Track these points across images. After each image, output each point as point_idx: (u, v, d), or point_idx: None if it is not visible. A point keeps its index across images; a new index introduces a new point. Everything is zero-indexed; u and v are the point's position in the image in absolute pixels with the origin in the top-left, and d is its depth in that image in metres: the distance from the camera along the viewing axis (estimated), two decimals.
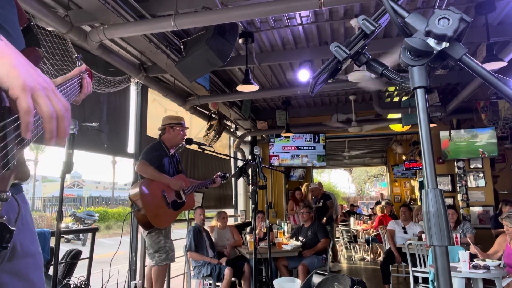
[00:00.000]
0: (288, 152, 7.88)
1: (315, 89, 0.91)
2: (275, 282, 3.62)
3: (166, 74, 4.66)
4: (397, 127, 7.29)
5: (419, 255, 4.51)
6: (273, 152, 7.89)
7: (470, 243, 3.98)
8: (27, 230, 0.83)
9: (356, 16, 4.02)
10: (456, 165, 7.01)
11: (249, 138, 8.08)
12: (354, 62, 0.88)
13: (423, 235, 4.91)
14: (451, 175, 7.24)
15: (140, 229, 3.62)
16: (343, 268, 7.35)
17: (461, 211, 6.69)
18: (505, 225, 3.56)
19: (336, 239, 8.34)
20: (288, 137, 7.78)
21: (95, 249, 3.81)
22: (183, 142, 3.57)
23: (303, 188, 7.83)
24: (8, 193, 0.64)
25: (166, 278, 4.13)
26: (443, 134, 6.90)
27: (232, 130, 7.57)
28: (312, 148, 7.93)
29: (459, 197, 6.89)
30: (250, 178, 3.32)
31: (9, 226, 0.65)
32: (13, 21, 0.80)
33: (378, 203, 9.52)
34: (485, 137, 6.68)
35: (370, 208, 14.98)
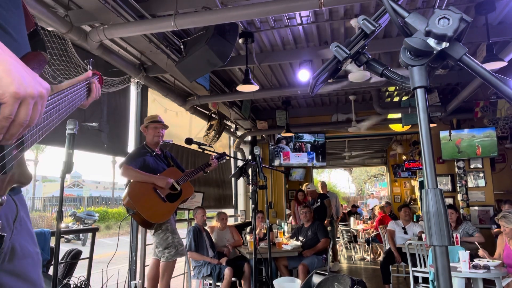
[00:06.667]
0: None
1: (315, 89, 0.91)
2: (275, 282, 3.62)
3: (166, 74, 4.66)
4: (397, 127, 7.29)
5: (419, 255, 4.51)
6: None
7: (478, 246, 3.95)
8: (25, 230, 0.83)
9: (356, 16, 4.02)
10: (456, 165, 7.01)
11: (249, 138, 8.08)
12: (354, 62, 0.88)
13: (423, 235, 4.91)
14: (451, 175, 7.24)
15: (143, 229, 3.63)
16: (343, 268, 7.35)
17: (461, 211, 6.69)
18: (502, 225, 3.55)
19: (336, 239, 8.35)
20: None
21: (95, 249, 3.80)
22: (170, 140, 3.61)
23: (303, 188, 7.86)
24: (3, 197, 0.64)
25: None
26: (444, 134, 6.90)
27: (232, 130, 7.57)
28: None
29: (459, 197, 6.89)
30: (250, 178, 3.32)
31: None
32: (18, 24, 0.80)
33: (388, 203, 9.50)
34: (485, 137, 6.68)
35: (369, 210, 14.96)
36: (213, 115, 6.24)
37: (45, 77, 2.94)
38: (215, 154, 3.81)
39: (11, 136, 0.61)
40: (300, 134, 7.90)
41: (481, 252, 3.78)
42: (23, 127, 0.61)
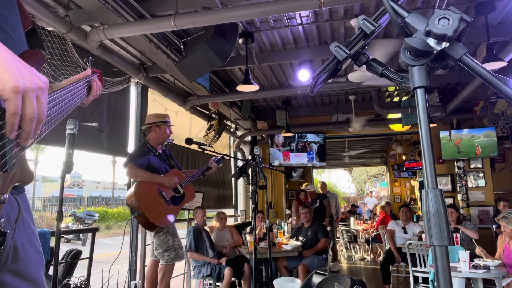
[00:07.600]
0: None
1: (315, 89, 0.91)
2: (275, 282, 3.62)
3: (166, 74, 4.66)
4: (397, 127, 7.29)
5: (419, 255, 4.51)
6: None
7: (476, 244, 3.95)
8: (28, 230, 0.83)
9: (356, 16, 4.02)
10: (456, 165, 7.01)
11: (249, 138, 8.09)
12: (354, 62, 0.88)
13: (423, 235, 4.90)
14: (451, 175, 7.24)
15: (143, 229, 3.61)
16: (343, 268, 7.35)
17: (461, 211, 6.69)
18: (502, 226, 3.54)
19: (336, 239, 8.35)
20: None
21: (95, 249, 3.81)
22: (172, 139, 3.59)
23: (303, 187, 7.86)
24: (5, 195, 0.64)
25: None
26: (444, 134, 6.90)
27: (232, 130, 7.57)
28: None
29: (459, 197, 6.89)
30: (250, 178, 3.31)
31: (1, 229, 0.65)
32: (15, 23, 0.80)
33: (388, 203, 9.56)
34: (485, 137, 6.68)
35: (369, 210, 14.96)
36: (213, 115, 6.24)
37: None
38: (214, 158, 3.77)
39: (28, 134, 0.62)
40: (304, 134, 7.90)
41: (478, 250, 3.78)
42: (34, 122, 0.62)
